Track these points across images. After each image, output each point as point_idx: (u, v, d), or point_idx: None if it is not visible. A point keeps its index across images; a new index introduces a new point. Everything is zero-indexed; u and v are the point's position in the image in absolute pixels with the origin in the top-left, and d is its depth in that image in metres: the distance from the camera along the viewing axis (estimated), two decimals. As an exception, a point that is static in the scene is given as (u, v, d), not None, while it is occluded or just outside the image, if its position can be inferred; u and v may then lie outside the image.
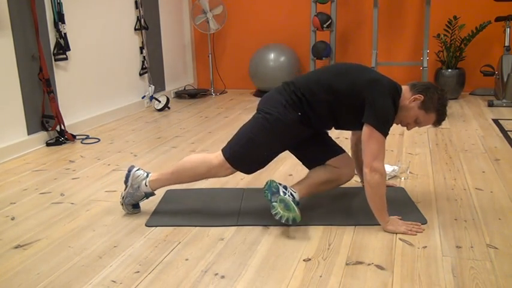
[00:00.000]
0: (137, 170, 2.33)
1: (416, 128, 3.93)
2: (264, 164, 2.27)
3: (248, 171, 2.26)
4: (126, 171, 2.37)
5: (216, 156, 2.21)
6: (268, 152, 2.23)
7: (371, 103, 2.06)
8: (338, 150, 2.32)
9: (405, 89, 2.17)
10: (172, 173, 2.27)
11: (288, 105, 2.14)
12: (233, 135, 2.25)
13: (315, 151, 2.33)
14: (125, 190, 2.33)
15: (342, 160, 2.30)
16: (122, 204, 2.34)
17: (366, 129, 2.06)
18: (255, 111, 2.25)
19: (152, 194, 2.33)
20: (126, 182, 2.34)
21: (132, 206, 2.34)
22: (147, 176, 2.31)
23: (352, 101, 2.11)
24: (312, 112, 2.16)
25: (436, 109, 2.14)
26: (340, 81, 2.12)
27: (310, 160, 2.35)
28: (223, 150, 2.21)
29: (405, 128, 2.21)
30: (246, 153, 2.19)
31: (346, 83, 2.11)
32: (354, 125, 2.23)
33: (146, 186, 2.29)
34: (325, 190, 2.33)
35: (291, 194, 2.14)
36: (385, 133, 2.05)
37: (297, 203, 2.12)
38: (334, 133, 3.81)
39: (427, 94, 2.12)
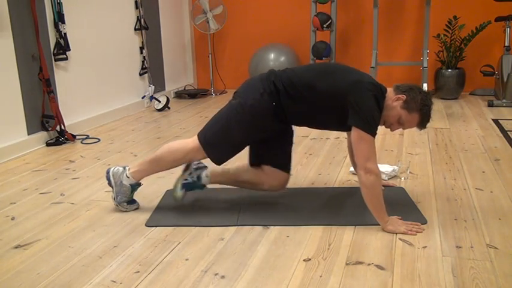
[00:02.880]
0: (114, 168, 2.37)
1: (416, 128, 3.93)
2: (233, 154, 2.28)
3: (218, 159, 2.26)
4: (105, 175, 2.41)
5: (192, 140, 2.24)
6: (239, 139, 2.24)
7: (354, 105, 2.06)
8: (283, 165, 2.36)
9: (389, 90, 2.19)
10: (151, 162, 2.30)
11: (266, 93, 2.16)
12: (208, 120, 2.28)
13: (269, 152, 2.36)
14: (113, 191, 2.36)
15: (277, 173, 2.34)
16: (117, 205, 2.36)
17: (354, 132, 2.07)
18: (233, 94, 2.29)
19: (138, 184, 2.36)
20: (109, 183, 2.36)
21: (127, 203, 2.36)
22: (125, 168, 2.34)
23: (334, 103, 2.12)
24: (288, 105, 2.17)
25: (418, 109, 2.13)
26: (322, 82, 2.14)
27: (257, 156, 2.38)
28: (199, 135, 2.24)
29: (400, 129, 2.22)
30: (219, 139, 2.22)
31: (328, 85, 2.13)
32: (337, 126, 2.25)
33: (128, 178, 2.31)
34: (239, 186, 2.44)
35: (199, 176, 2.35)
36: (373, 133, 2.06)
37: (201, 186, 2.37)
38: (334, 133, 3.81)
39: (410, 94, 2.13)
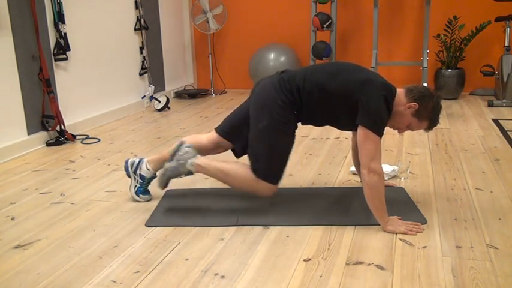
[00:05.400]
0: (187, 146, 2.30)
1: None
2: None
3: (277, 182, 2.27)
4: (177, 144, 2.33)
5: (262, 183, 2.23)
6: (287, 154, 2.26)
7: (364, 104, 2.07)
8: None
9: (400, 92, 2.18)
10: (220, 171, 2.27)
11: (286, 105, 2.17)
12: (250, 153, 2.27)
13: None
14: (168, 162, 2.29)
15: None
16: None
17: (361, 131, 2.07)
18: (252, 98, 2.28)
19: (191, 173, 2.30)
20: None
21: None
22: (194, 156, 2.28)
23: (346, 102, 2.13)
24: (305, 110, 2.21)
25: (429, 118, 2.17)
26: (333, 81, 2.14)
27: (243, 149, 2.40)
28: (254, 171, 2.23)
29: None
30: (275, 167, 2.24)
31: (339, 84, 2.13)
32: (348, 125, 2.25)
33: (192, 166, 2.26)
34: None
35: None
36: (380, 134, 2.07)
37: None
38: (334, 133, 3.81)
39: (422, 103, 2.13)
